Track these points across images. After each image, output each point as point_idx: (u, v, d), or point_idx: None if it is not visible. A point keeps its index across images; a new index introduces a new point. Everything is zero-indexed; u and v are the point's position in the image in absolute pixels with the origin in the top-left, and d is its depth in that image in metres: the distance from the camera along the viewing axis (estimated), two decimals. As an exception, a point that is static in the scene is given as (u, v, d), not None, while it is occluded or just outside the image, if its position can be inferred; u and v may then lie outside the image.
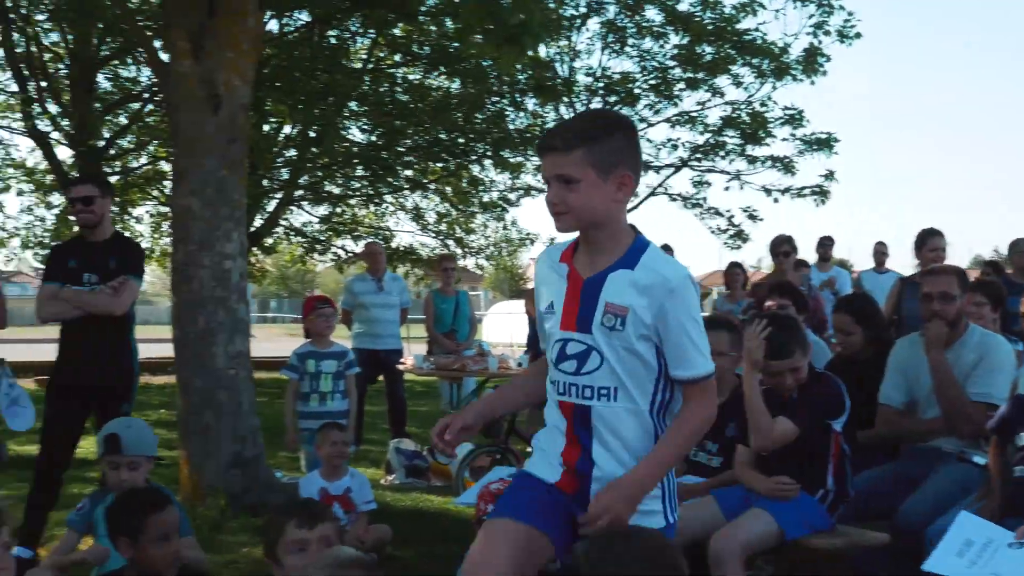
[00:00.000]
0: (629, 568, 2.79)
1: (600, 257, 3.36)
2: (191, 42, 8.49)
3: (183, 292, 8.49)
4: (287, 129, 19.79)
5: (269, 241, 21.82)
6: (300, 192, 21.07)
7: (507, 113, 20.04)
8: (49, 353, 7.73)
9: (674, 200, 23.75)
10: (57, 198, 21.64)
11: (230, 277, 8.49)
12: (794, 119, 22.01)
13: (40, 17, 17.94)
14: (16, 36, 17.50)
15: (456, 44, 16.44)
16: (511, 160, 20.22)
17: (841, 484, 5.29)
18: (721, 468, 5.75)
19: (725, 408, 5.69)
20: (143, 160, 20.89)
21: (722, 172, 23.31)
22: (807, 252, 13.25)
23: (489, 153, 19.93)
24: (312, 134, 18.81)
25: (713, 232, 23.47)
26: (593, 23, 22.00)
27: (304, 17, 17.41)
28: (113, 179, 18.91)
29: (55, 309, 6.83)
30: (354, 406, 8.47)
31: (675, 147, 23.13)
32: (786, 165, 22.37)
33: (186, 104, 8.54)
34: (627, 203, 3.42)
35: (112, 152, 19.31)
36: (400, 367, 11.09)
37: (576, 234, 3.47)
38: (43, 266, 7.53)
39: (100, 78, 19.03)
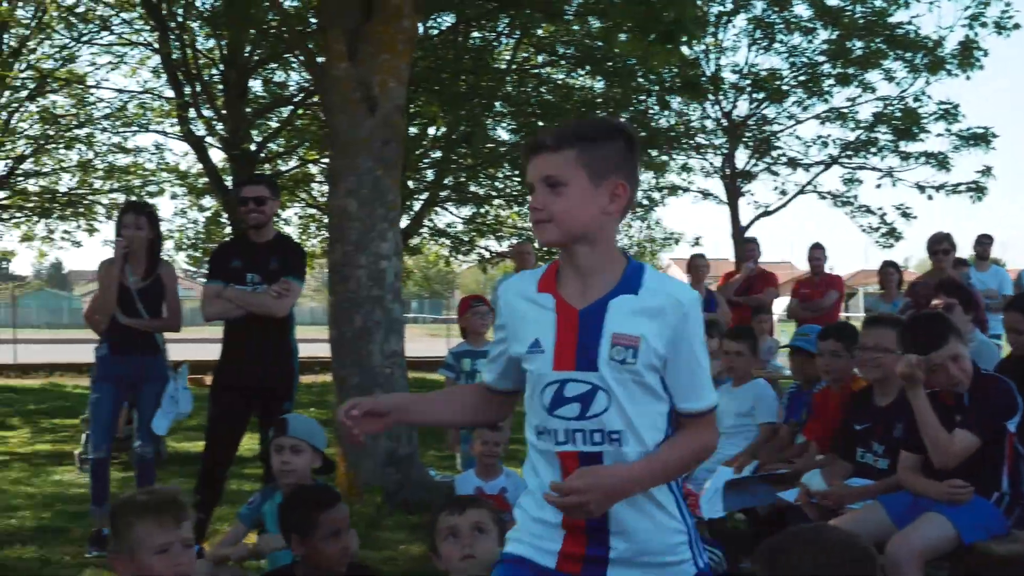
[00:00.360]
0: (824, 568, 2.63)
1: (593, 281, 2.92)
2: (347, 45, 8.62)
3: (340, 292, 8.62)
4: (431, 130, 19.98)
5: (415, 242, 22.06)
6: (445, 193, 21.26)
7: (652, 112, 19.93)
8: (211, 352, 7.90)
9: (823, 198, 23.38)
10: (209, 201, 22.23)
11: (385, 277, 8.60)
12: (949, 114, 21.48)
13: (195, 24, 18.44)
14: (173, 43, 17.99)
15: (600, 43, 16.40)
16: (655, 159, 20.12)
17: (1016, 487, 5.11)
18: (888, 470, 5.60)
19: (892, 408, 5.56)
20: (292, 163, 21.31)
21: (874, 169, 22.89)
22: (963, 250, 12.89)
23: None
24: (455, 136, 18.98)
25: (864, 230, 23.08)
26: (739, 19, 21.80)
27: (449, 19, 17.57)
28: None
29: (219, 308, 6.92)
30: None
31: (825, 144, 22.79)
32: (941, 161, 21.84)
33: (342, 106, 8.66)
34: (620, 219, 2.96)
35: (263, 155, 19.72)
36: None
37: (546, 265, 3.08)
38: (204, 266, 7.68)
39: (252, 83, 19.47)
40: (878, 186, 22.74)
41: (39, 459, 11.09)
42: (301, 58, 15.18)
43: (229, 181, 18.30)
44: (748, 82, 21.93)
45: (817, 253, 12.27)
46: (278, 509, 4.52)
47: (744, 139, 23.22)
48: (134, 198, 22.80)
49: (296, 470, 5.06)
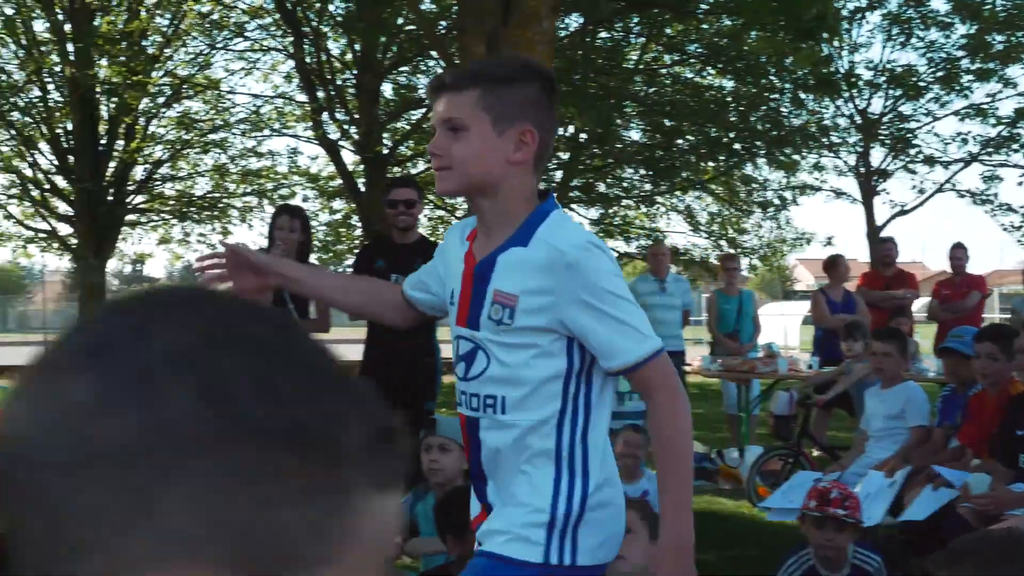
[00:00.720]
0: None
1: (495, 233, 2.65)
2: (486, 47, 8.64)
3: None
4: (558, 131, 19.91)
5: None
6: (572, 194, 21.23)
7: (784, 110, 19.66)
8: (354, 352, 7.96)
9: (961, 196, 22.84)
10: (339, 204, 22.53)
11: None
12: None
13: (328, 29, 18.71)
14: (307, 48, 18.25)
15: (726, 40, 16.23)
16: (786, 159, 19.84)
17: None
18: (1051, 477, 5.43)
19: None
20: (421, 165, 21.47)
21: (1015, 166, 22.28)
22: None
23: (763, 151, 19.60)
24: (587, 136, 18.94)
25: (1005, 229, 22.49)
26: (874, 16, 21.40)
27: (576, 20, 17.52)
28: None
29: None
30: None
31: (964, 141, 22.24)
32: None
33: (481, 108, 8.68)
34: (530, 169, 2.64)
35: (395, 158, 19.91)
36: (686, 368, 10.99)
37: None
38: (333, 268, 7.74)
39: (384, 86, 19.69)
40: (1020, 183, 22.11)
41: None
42: (439, 61, 15.27)
43: (361, 184, 18.51)
44: (884, 78, 21.52)
45: (959, 253, 11.95)
46: (432, 510, 4.52)
47: (880, 137, 22.80)
48: (267, 201, 23.28)
49: (445, 469, 5.05)
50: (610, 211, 22.89)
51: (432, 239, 8.13)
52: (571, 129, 19.16)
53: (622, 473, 6.51)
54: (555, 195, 2.76)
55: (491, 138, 2.57)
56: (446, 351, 8.41)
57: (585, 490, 2.61)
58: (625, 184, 21.84)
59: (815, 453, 8.92)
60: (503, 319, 2.58)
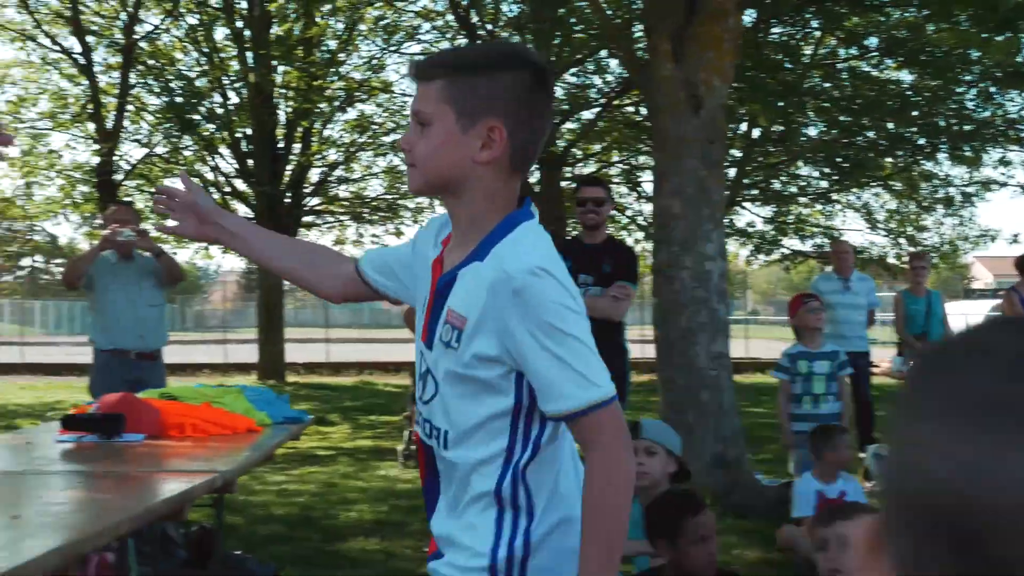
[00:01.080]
0: None
1: (466, 242, 2.34)
2: (672, 44, 8.59)
3: (665, 293, 8.60)
4: (730, 127, 19.78)
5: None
6: (747, 192, 21.03)
7: (970, 104, 19.05)
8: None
9: None
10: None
11: (711, 278, 8.52)
12: None
13: (499, 29, 18.84)
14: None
15: (905, 32, 15.80)
16: (970, 154, 19.24)
17: None
18: None
19: None
20: (592, 166, 21.50)
21: None
22: None
23: (947, 147, 19.05)
24: (755, 132, 18.71)
25: None
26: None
27: (750, 15, 17.28)
28: (566, 185, 19.56)
29: None
30: (849, 408, 8.24)
31: None
32: None
33: (667, 106, 8.65)
34: (504, 170, 2.30)
35: (568, 158, 19.98)
36: (873, 370, 10.74)
37: None
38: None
39: (559, 87, 19.74)
40: None
41: (362, 454, 11.53)
42: (618, 57, 15.25)
43: (535, 184, 18.62)
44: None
45: None
46: (643, 513, 4.50)
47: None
48: (438, 202, 23.54)
49: (650, 473, 5.02)
50: (784, 209, 22.58)
51: (620, 240, 8.11)
52: (742, 127, 18.97)
53: (822, 474, 6.44)
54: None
55: (454, 134, 2.27)
56: (635, 351, 8.42)
57: (528, 535, 2.30)
58: (801, 182, 21.49)
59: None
60: (451, 342, 2.28)
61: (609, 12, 14.07)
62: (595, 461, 2.19)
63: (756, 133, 19.46)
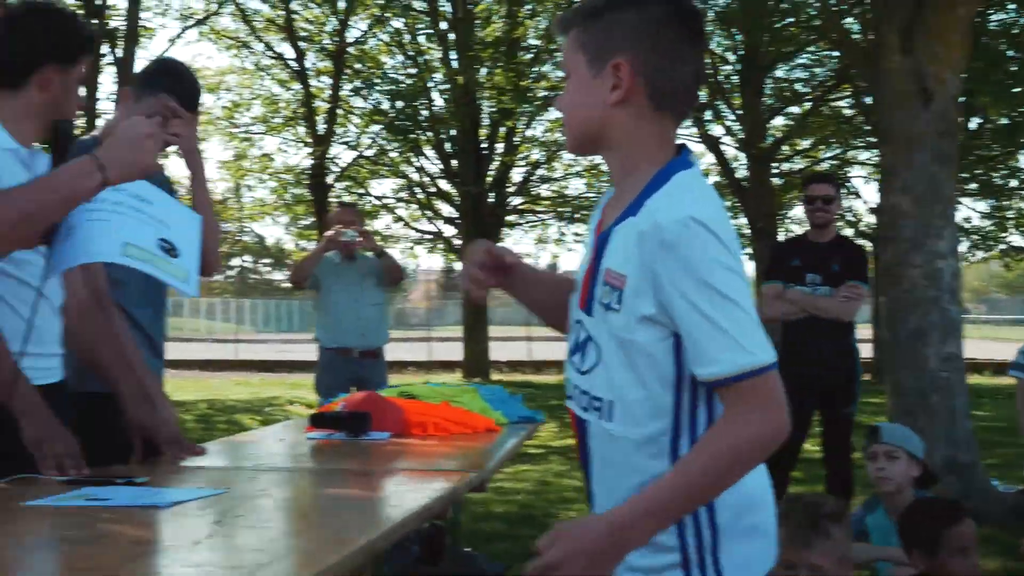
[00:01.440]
0: None
1: (622, 197, 2.15)
2: (900, 37, 8.34)
3: (893, 292, 8.35)
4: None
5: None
6: (965, 186, 20.30)
7: None
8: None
9: None
10: (726, 202, 22.44)
11: (942, 276, 8.23)
12: None
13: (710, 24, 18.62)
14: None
15: None
16: None
17: None
18: None
19: None
20: (800, 163, 21.07)
21: None
22: None
23: None
24: (972, 123, 18.04)
25: None
26: None
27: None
28: (776, 181, 19.22)
29: (781, 309, 6.83)
30: None
31: None
32: None
33: (896, 100, 8.39)
34: (644, 111, 2.11)
35: (777, 154, 19.63)
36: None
37: None
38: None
39: (768, 81, 19.43)
40: None
41: (572, 453, 11.47)
42: (839, 50, 14.88)
43: (744, 180, 18.39)
44: None
45: None
46: (898, 521, 4.34)
47: None
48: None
49: (892, 478, 4.85)
50: (1005, 203, 21.69)
51: (849, 239, 7.87)
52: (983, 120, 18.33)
53: None
54: (689, 151, 2.23)
55: (587, 80, 2.12)
56: (865, 351, 8.19)
57: (713, 518, 2.07)
58: (1021, 174, 20.64)
59: None
60: (611, 303, 2.08)
61: (832, 3, 13.73)
62: (739, 414, 1.96)
63: (973, 124, 18.75)
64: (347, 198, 22.92)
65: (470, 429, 4.38)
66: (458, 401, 4.68)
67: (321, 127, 21.36)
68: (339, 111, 21.67)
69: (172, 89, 3.50)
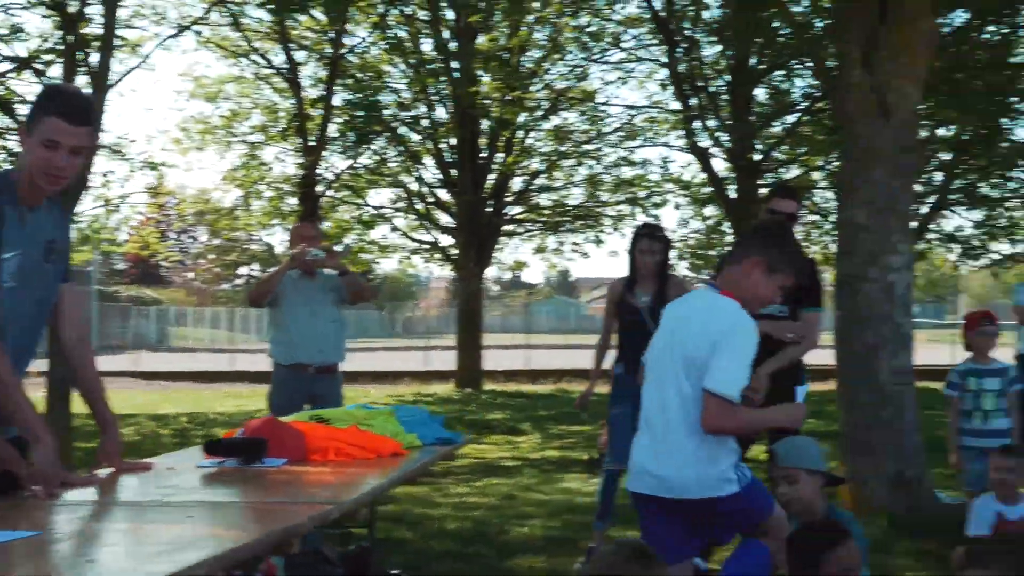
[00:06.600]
0: None
1: None
2: (863, 51, 8.37)
3: (848, 305, 8.38)
4: (940, 131, 19.10)
5: (920, 247, 21.15)
6: (954, 196, 20.26)
7: None
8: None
9: None
10: (710, 210, 22.45)
11: (895, 290, 8.26)
12: None
13: (702, 36, 18.67)
14: (679, 56, 18.28)
15: None
16: None
17: None
18: None
19: None
20: (794, 171, 21.03)
21: None
22: None
23: None
24: (965, 136, 18.02)
25: None
26: None
27: (961, 16, 16.61)
28: (764, 192, 19.21)
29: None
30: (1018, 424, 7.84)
31: None
32: None
33: (857, 114, 8.43)
34: None
35: (767, 164, 19.64)
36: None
37: None
38: (704, 273, 7.63)
39: (758, 92, 19.43)
40: None
41: (548, 465, 11.52)
42: (810, 66, 14.93)
43: (732, 190, 18.38)
44: None
45: None
46: (787, 542, 4.34)
47: None
48: (639, 210, 23.51)
49: (796, 499, 4.80)
50: (995, 213, 21.59)
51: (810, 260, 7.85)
52: (943, 130, 18.31)
53: (1001, 494, 6.15)
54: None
55: None
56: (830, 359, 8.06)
57: None
58: (1013, 184, 20.56)
59: None
60: None
61: (801, 17, 13.77)
62: None
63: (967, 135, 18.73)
64: (342, 208, 22.97)
65: (373, 454, 4.41)
66: (368, 424, 4.72)
67: (316, 136, 21.25)
68: (338, 120, 21.52)
69: (60, 110, 3.52)
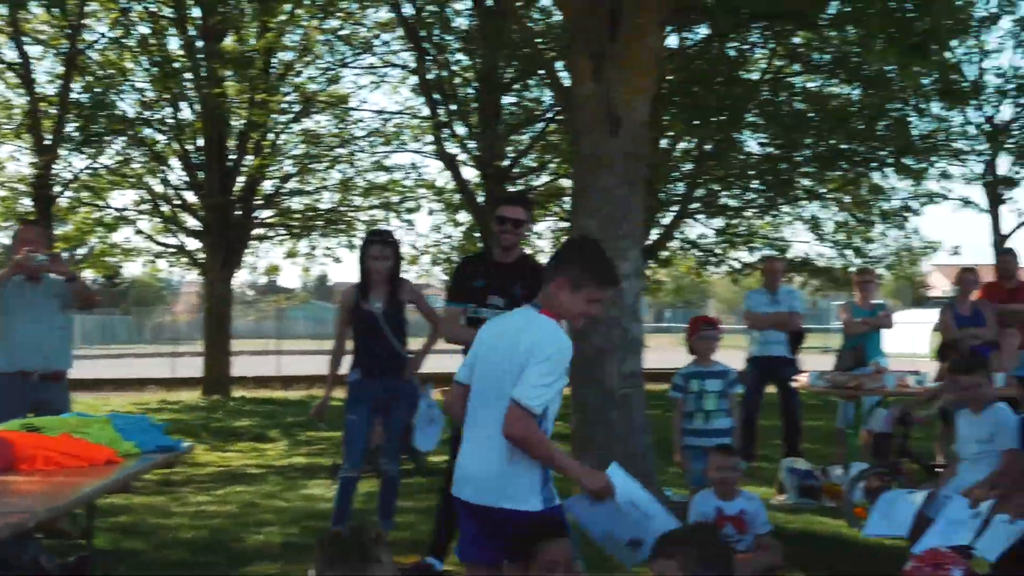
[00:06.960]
0: None
1: None
2: (593, 63, 8.61)
3: (578, 311, 8.61)
4: (683, 143, 19.88)
5: (665, 254, 21.94)
6: (696, 205, 21.09)
7: (910, 119, 19.18)
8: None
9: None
10: (464, 216, 22.68)
11: (624, 297, 8.52)
12: None
13: (451, 44, 18.88)
14: (429, 63, 18.44)
15: (857, 50, 15.91)
16: (913, 167, 19.42)
17: None
18: None
19: None
20: (544, 178, 21.49)
21: None
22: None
23: (891, 160, 19.21)
24: (708, 147, 18.78)
25: None
26: (1005, 22, 20.84)
27: (703, 31, 17.34)
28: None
29: (460, 334, 6.84)
30: (739, 424, 8.28)
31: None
32: None
33: (587, 124, 8.66)
34: None
35: (515, 171, 19.97)
36: (793, 383, 10.77)
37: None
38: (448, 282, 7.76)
39: (506, 100, 19.75)
40: None
41: (294, 472, 11.44)
42: (546, 79, 15.32)
43: (482, 197, 18.64)
44: (1012, 87, 20.87)
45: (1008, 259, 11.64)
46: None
47: (1007, 146, 22.23)
48: (392, 214, 23.55)
49: None
50: (733, 221, 22.58)
51: (533, 258, 8.03)
52: (681, 143, 19.08)
53: (719, 491, 6.50)
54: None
55: None
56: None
57: None
58: (748, 195, 21.58)
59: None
60: None
61: (537, 30, 14.13)
62: None
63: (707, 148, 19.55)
64: (83, 210, 22.17)
65: (86, 462, 4.34)
66: (83, 432, 4.62)
67: (51, 135, 20.46)
68: (75, 120, 20.77)
69: None
